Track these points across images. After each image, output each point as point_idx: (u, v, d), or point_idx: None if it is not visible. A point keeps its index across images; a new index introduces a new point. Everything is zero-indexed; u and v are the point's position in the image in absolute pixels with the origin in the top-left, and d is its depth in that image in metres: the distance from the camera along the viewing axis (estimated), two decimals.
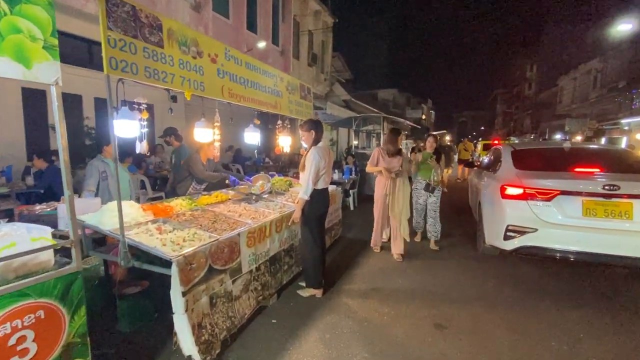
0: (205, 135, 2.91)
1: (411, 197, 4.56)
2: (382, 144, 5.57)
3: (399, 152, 4.18)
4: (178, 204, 3.03)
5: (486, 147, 14.90)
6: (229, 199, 3.57)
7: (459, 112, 79.48)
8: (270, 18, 11.61)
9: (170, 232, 2.43)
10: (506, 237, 3.58)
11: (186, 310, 2.00)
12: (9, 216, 3.15)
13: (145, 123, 2.35)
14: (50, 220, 2.68)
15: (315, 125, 3.10)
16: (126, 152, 6.44)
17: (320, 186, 3.08)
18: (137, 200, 6.07)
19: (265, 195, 3.94)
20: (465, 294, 3.30)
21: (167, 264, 1.99)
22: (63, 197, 3.50)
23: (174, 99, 9.28)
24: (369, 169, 4.28)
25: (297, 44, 13.60)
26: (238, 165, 8.91)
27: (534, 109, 36.83)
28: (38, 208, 2.82)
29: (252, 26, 10.84)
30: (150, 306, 2.74)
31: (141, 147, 2.39)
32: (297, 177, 5.82)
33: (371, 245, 4.46)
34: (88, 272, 2.80)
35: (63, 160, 1.51)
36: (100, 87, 2.29)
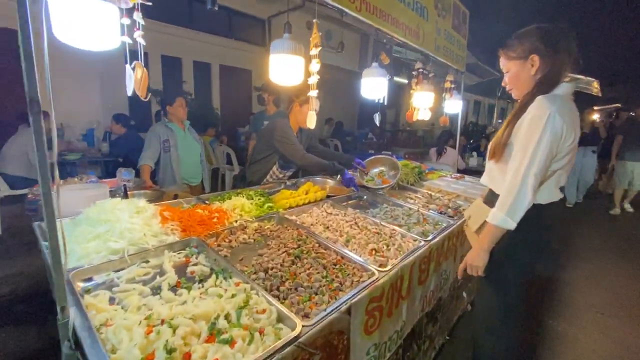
0: (291, 67, 1.40)
1: None
2: None
3: None
4: (238, 205, 1.65)
5: None
6: (327, 196, 2.08)
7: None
8: None
9: (200, 281, 1.06)
10: None
11: None
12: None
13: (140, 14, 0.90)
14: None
15: (547, 39, 1.22)
16: (209, 121, 5.70)
17: (546, 198, 1.27)
18: (222, 178, 5.28)
19: (381, 192, 2.34)
20: None
21: None
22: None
23: None
24: None
25: None
26: (336, 140, 7.48)
27: None
28: None
29: None
30: None
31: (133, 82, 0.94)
32: (413, 158, 3.95)
33: None
34: None
35: None
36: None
